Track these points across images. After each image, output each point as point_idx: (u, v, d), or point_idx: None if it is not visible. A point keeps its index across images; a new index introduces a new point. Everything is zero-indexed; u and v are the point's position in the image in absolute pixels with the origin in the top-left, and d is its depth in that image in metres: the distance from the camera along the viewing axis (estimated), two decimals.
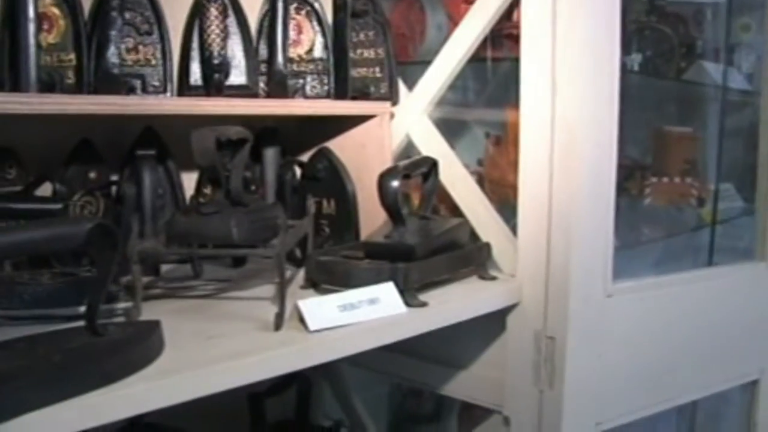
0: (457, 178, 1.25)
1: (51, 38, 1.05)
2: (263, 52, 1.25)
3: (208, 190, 1.25)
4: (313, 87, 1.29)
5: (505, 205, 1.25)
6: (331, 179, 1.28)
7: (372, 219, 1.26)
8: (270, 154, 1.28)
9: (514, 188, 1.17)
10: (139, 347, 0.78)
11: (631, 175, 1.66)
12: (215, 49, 1.10)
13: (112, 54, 1.06)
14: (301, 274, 1.12)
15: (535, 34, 1.10)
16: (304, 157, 1.34)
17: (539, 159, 1.10)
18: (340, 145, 1.33)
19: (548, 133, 1.09)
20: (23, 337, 0.77)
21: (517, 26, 1.18)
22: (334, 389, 1.54)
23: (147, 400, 0.72)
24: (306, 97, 1.27)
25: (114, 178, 1.17)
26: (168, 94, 1.14)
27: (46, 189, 1.11)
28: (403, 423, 1.62)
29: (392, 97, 1.31)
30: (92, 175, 1.16)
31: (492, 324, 1.17)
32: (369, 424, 1.50)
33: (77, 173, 1.14)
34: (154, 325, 0.83)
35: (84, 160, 1.14)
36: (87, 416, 0.68)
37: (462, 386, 1.28)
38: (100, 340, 0.78)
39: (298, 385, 1.39)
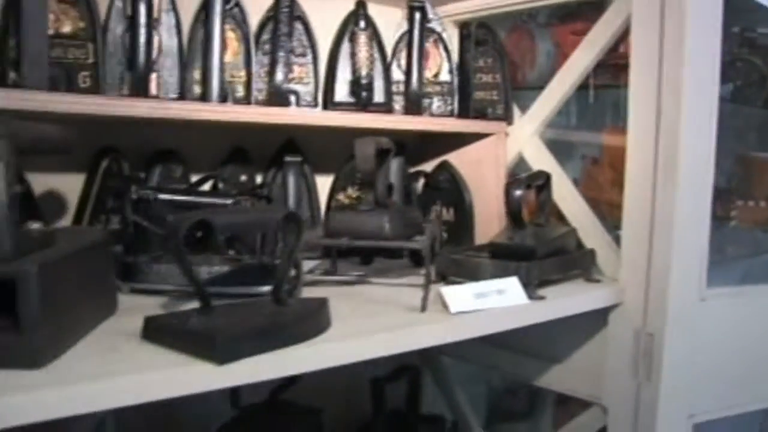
0: (565, 192, 1.40)
1: (227, 58, 1.24)
2: (395, 73, 1.43)
3: (341, 195, 1.43)
4: (439, 106, 1.46)
5: (601, 220, 1.39)
6: (451, 189, 1.46)
7: (485, 227, 1.43)
8: (396, 165, 1.45)
9: (608, 205, 1.32)
10: (318, 316, 0.95)
11: (717, 197, 1.79)
12: (364, 70, 1.28)
13: (279, 72, 1.25)
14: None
15: (643, 63, 1.24)
16: (425, 168, 1.52)
17: (644, 176, 1.24)
18: (458, 160, 1.50)
19: (652, 152, 1.23)
20: (221, 305, 0.94)
21: (622, 57, 1.33)
22: (439, 384, 1.69)
23: (330, 358, 0.90)
24: (432, 115, 1.45)
25: (259, 180, 1.36)
26: (317, 108, 1.33)
27: None
28: (500, 419, 1.75)
29: (507, 118, 1.48)
30: (243, 177, 1.36)
31: (593, 321, 1.31)
32: (471, 417, 1.65)
33: (232, 174, 1.34)
34: (324, 301, 1.00)
35: (237, 163, 1.34)
36: (288, 365, 0.86)
37: (562, 379, 1.42)
38: (285, 309, 0.95)
39: (410, 375, 1.55)
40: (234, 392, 1.20)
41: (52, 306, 0.76)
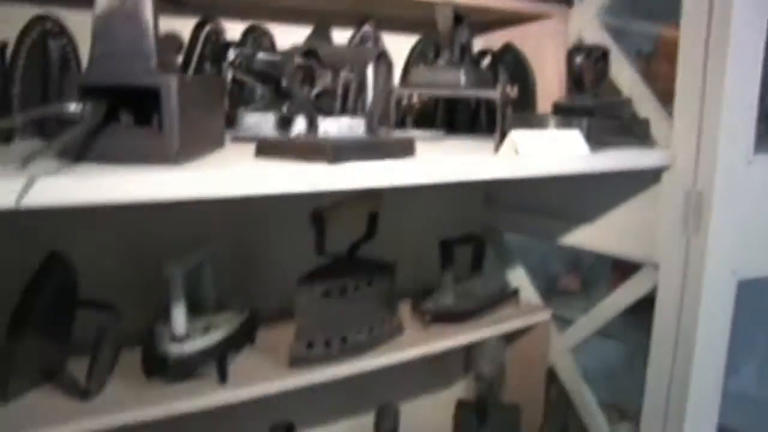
0: (622, 68, 1.52)
1: None
2: None
3: None
4: None
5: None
6: (515, 69, 1.57)
7: (546, 105, 1.55)
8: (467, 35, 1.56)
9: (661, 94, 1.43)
10: (405, 144, 1.09)
11: None
12: None
13: None
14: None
15: None
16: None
17: (696, 46, 1.34)
18: (521, 41, 1.62)
19: (704, 34, 1.34)
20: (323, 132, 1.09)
21: None
22: (500, 257, 1.83)
23: (417, 175, 1.03)
24: None
25: None
26: None
27: None
28: (556, 295, 1.87)
29: (569, 1, 1.59)
30: None
31: (646, 184, 1.44)
32: (529, 288, 1.79)
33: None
34: (410, 138, 1.13)
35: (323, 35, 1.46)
36: (383, 176, 1.00)
37: (616, 243, 1.53)
38: (378, 136, 1.09)
39: (475, 242, 1.69)
40: (318, 242, 1.34)
41: (187, 116, 0.90)
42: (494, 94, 1.19)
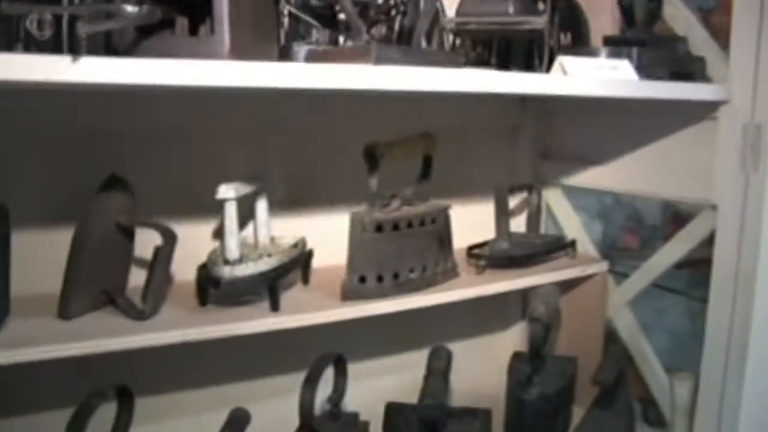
0: (678, 11, 1.50)
1: None
2: None
3: None
4: None
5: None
6: (569, 14, 1.57)
7: None
8: None
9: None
10: (452, 57, 1.10)
11: None
12: None
13: None
14: None
15: None
16: None
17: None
18: None
19: None
20: None
21: None
22: (555, 209, 1.82)
23: (463, 83, 1.05)
24: None
25: None
26: None
27: None
28: (615, 251, 1.84)
29: None
30: None
31: (702, 122, 1.42)
32: (587, 241, 1.77)
33: None
34: (457, 55, 1.14)
35: None
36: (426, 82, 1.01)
37: (673, 186, 1.51)
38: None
39: (530, 192, 1.69)
40: (371, 178, 1.36)
41: (238, 19, 0.93)
42: (540, 21, 1.19)
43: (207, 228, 1.43)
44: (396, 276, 1.33)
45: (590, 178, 1.68)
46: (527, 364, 1.48)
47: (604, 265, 1.63)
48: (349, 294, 1.29)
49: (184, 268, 1.32)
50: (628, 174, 1.58)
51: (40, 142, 1.28)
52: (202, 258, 1.28)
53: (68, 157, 1.30)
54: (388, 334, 1.67)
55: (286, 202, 1.49)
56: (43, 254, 1.25)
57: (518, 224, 1.72)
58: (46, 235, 1.27)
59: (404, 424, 1.38)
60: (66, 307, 1.17)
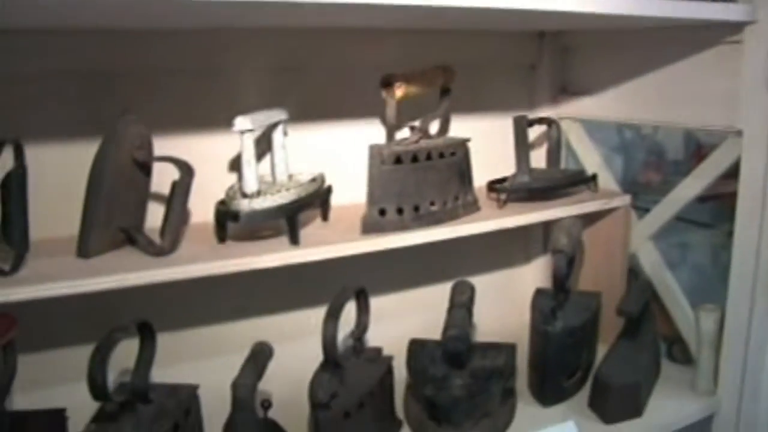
0: None
1: None
2: None
3: None
4: None
5: None
6: None
7: None
8: None
9: None
10: None
11: None
12: None
13: None
14: None
15: None
16: None
17: None
18: None
19: None
20: None
21: None
22: (575, 144, 1.78)
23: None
24: None
25: None
26: None
27: None
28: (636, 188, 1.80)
29: None
30: None
31: (725, 45, 1.38)
32: (608, 175, 1.73)
33: None
34: None
35: None
36: None
37: (694, 113, 1.46)
38: None
39: (549, 125, 1.65)
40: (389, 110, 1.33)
41: None
42: None
43: (223, 166, 1.40)
44: (416, 209, 1.31)
45: (610, 110, 1.65)
46: (551, 299, 1.46)
47: (626, 199, 1.60)
48: (369, 227, 1.27)
49: (201, 209, 1.31)
50: (648, 104, 1.54)
51: (55, 81, 1.26)
52: (219, 197, 1.26)
53: (84, 96, 1.28)
54: (408, 270, 1.66)
55: (302, 139, 1.45)
56: (59, 196, 1.24)
57: (538, 160, 1.69)
58: (62, 175, 1.25)
59: (428, 360, 1.36)
60: (85, 246, 1.16)
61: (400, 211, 1.29)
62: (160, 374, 1.21)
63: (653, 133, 1.87)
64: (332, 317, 1.16)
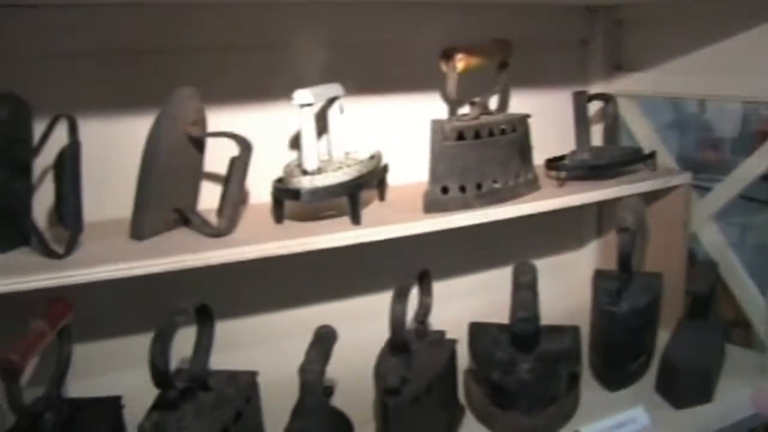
0: None
1: None
2: None
3: None
4: None
5: None
6: None
7: None
8: None
9: None
10: None
11: None
12: None
13: None
14: None
15: None
16: None
17: None
18: None
19: None
20: None
21: None
22: (632, 122, 1.70)
23: None
24: None
25: None
26: None
27: None
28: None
29: None
30: None
31: None
32: (667, 155, 1.64)
33: None
34: None
35: None
36: None
37: (755, 86, 1.38)
38: None
39: (607, 101, 1.57)
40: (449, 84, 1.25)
41: None
42: None
43: (277, 144, 1.33)
44: (479, 186, 1.24)
45: (666, 86, 1.57)
46: (614, 279, 1.38)
47: (687, 177, 1.52)
48: (431, 205, 1.20)
49: (256, 190, 1.26)
50: (708, 78, 1.45)
51: (108, 58, 1.20)
52: (275, 176, 1.20)
53: (139, 73, 1.22)
54: (466, 251, 1.60)
55: (358, 117, 1.38)
56: (111, 177, 1.19)
57: (595, 138, 1.60)
58: (114, 156, 1.19)
59: (491, 343, 1.28)
60: (138, 228, 1.10)
61: (462, 188, 1.22)
62: (217, 361, 1.13)
63: (710, 109, 1.77)
64: (400, 299, 1.09)
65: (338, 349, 1.12)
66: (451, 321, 1.36)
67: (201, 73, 1.23)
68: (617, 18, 1.66)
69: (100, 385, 1.16)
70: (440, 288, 1.34)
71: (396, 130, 1.44)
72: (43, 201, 1.11)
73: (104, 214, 1.18)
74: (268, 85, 1.29)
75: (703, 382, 1.32)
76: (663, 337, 1.45)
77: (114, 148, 1.19)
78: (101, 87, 1.19)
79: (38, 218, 1.10)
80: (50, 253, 1.01)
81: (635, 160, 1.51)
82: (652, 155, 1.53)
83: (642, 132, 1.65)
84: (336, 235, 1.11)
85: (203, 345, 1.08)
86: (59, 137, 1.00)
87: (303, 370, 1.02)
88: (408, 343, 1.13)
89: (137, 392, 1.04)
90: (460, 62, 1.22)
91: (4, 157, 0.99)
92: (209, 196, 1.17)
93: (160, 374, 0.94)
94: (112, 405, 1.09)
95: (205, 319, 1.07)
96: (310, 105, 1.12)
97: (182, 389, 1.02)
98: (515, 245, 1.61)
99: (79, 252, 1.03)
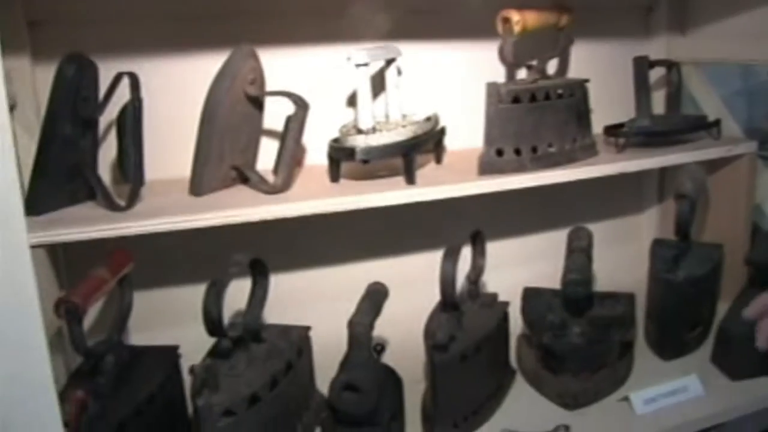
0: None
1: None
2: None
3: None
4: None
5: None
6: None
7: None
8: None
9: None
10: None
11: None
12: None
13: None
14: None
15: None
16: None
17: None
18: None
19: None
20: None
21: None
22: (696, 89, 1.65)
23: None
24: None
25: None
26: None
27: None
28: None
29: None
30: None
31: None
32: (732, 123, 1.60)
33: None
34: None
35: None
36: None
37: None
38: None
39: (670, 67, 1.54)
40: (504, 47, 1.24)
41: None
42: None
43: (336, 105, 1.35)
44: (534, 150, 1.23)
45: (734, 52, 1.51)
46: (672, 248, 1.36)
47: (752, 145, 1.48)
48: (486, 167, 1.19)
49: (315, 150, 1.27)
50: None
51: (168, 22, 1.24)
52: (333, 137, 1.21)
53: (198, 35, 1.25)
54: (521, 215, 1.60)
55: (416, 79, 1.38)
56: (173, 134, 1.21)
57: (656, 106, 1.57)
58: (175, 113, 1.22)
59: (544, 308, 1.28)
60: (198, 183, 1.13)
61: (517, 151, 1.22)
62: (273, 315, 1.15)
63: None
64: (451, 257, 1.09)
65: (391, 309, 1.14)
66: (506, 285, 1.36)
67: (259, 35, 1.24)
68: None
69: (159, 337, 1.19)
70: (494, 252, 1.33)
71: (456, 94, 1.44)
72: (108, 156, 1.14)
73: (166, 173, 1.22)
74: (327, 47, 1.29)
75: (760, 353, 1.28)
76: (723, 308, 1.41)
77: (175, 105, 1.22)
78: (163, 47, 1.22)
79: (103, 173, 1.13)
80: (113, 206, 1.04)
81: (698, 127, 1.47)
82: (716, 123, 1.49)
83: (707, 100, 1.61)
84: (389, 193, 1.12)
85: (257, 298, 1.10)
86: (123, 95, 1.02)
87: (351, 323, 1.04)
88: (458, 303, 1.13)
89: (195, 345, 1.07)
90: (518, 25, 1.21)
91: (71, 113, 1.02)
92: (270, 155, 1.18)
93: (212, 322, 0.97)
94: (170, 353, 1.12)
95: (259, 272, 1.09)
96: (365, 65, 1.12)
97: (235, 339, 1.04)
98: (572, 211, 1.60)
99: (140, 205, 1.07)
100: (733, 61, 1.52)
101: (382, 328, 1.12)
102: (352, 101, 1.30)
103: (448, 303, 1.12)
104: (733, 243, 1.48)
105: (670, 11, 1.63)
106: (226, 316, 1.01)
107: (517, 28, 1.22)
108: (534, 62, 1.30)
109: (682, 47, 1.63)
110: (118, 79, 1.05)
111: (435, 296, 1.14)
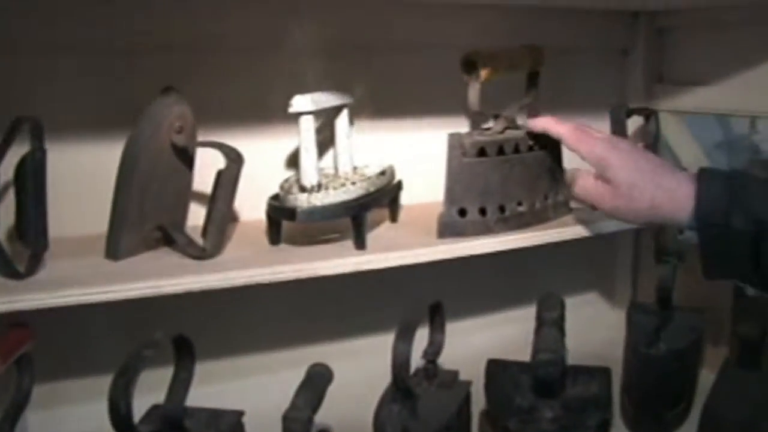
0: None
1: None
2: None
3: None
4: None
5: None
6: None
7: None
8: None
9: None
10: None
11: None
12: None
13: None
14: None
15: None
16: None
17: None
18: None
19: None
20: None
21: None
22: (673, 138, 1.53)
23: None
24: None
25: None
26: None
27: None
28: None
29: None
30: None
31: None
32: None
33: None
34: None
35: None
36: None
37: None
38: None
39: (647, 115, 1.41)
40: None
41: None
42: None
43: (277, 159, 1.20)
44: (502, 209, 1.09)
45: (713, 101, 1.41)
46: (651, 315, 1.23)
47: None
48: (446, 230, 1.05)
49: (251, 206, 1.11)
50: (758, 95, 1.31)
51: (82, 55, 1.08)
52: (273, 192, 1.06)
53: (117, 72, 1.10)
54: (485, 282, 1.46)
55: (370, 127, 1.25)
56: (85, 189, 1.07)
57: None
58: (88, 165, 1.08)
59: (511, 386, 1.13)
60: (114, 246, 0.98)
61: (482, 211, 1.07)
62: (201, 396, 0.99)
63: (761, 128, 1.59)
64: (405, 337, 0.94)
65: (337, 391, 1.00)
66: (467, 359, 1.21)
67: (188, 76, 1.09)
68: (660, 25, 1.51)
69: (64, 421, 1.06)
70: (455, 323, 1.20)
71: (414, 145, 1.31)
72: (7, 216, 0.97)
73: (78, 230, 1.06)
74: (266, 91, 1.14)
75: None
76: (705, 376, 1.30)
77: (88, 156, 1.07)
78: (75, 87, 1.06)
79: (0, 234, 0.97)
80: (10, 273, 0.89)
81: None
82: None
83: (686, 151, 1.49)
84: (335, 261, 0.98)
85: (180, 381, 0.95)
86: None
87: (286, 419, 0.88)
88: (412, 388, 0.97)
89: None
90: (484, 70, 1.06)
91: None
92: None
93: (120, 418, 0.81)
94: None
95: (183, 351, 0.93)
96: (309, 113, 0.96)
97: None
98: (541, 276, 1.46)
99: (43, 272, 0.92)
100: (712, 112, 1.40)
101: (326, 411, 0.97)
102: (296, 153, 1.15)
103: (401, 389, 0.96)
104: (713, 306, 1.35)
105: (646, 56, 1.51)
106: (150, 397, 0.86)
107: (482, 74, 1.07)
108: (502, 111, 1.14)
109: (660, 95, 1.50)
110: (17, 124, 0.88)
111: (387, 375, 0.99)
